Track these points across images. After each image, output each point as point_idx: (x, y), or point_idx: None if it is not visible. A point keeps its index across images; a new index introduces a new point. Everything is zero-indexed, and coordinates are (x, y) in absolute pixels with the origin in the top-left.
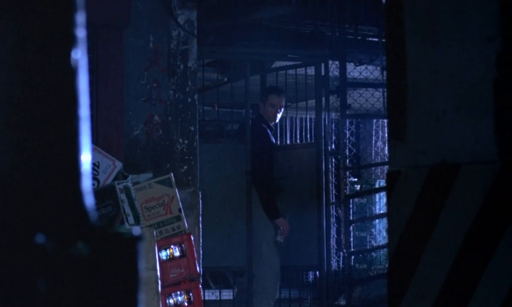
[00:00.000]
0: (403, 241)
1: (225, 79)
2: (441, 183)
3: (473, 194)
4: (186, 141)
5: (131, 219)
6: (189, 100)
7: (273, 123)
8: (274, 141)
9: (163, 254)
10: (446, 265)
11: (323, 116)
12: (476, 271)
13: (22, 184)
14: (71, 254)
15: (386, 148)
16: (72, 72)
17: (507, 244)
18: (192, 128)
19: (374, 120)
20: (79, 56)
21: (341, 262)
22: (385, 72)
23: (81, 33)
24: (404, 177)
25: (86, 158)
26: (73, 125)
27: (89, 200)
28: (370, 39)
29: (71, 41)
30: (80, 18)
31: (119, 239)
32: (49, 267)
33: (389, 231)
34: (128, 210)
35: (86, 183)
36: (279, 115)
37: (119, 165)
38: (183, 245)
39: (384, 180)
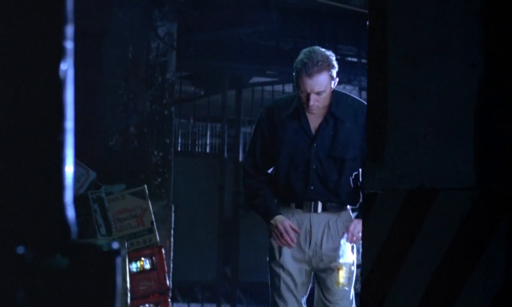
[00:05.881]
0: (378, 263)
1: (202, 93)
2: (418, 207)
3: (450, 220)
4: (161, 153)
5: (103, 230)
6: (166, 112)
7: (312, 111)
8: (299, 132)
9: (134, 266)
10: (419, 290)
11: None
12: (450, 298)
13: (6, 193)
14: (50, 265)
15: None
16: (59, 84)
17: (481, 272)
18: (168, 141)
19: None
20: (67, 67)
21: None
22: (363, 92)
23: (69, 44)
24: (381, 199)
25: (69, 170)
26: (59, 137)
27: (70, 212)
28: (349, 59)
29: (60, 53)
30: (69, 29)
31: (99, 252)
32: (28, 278)
33: (364, 252)
34: (100, 220)
35: (68, 195)
36: (317, 102)
37: (92, 174)
38: (154, 258)
39: None
